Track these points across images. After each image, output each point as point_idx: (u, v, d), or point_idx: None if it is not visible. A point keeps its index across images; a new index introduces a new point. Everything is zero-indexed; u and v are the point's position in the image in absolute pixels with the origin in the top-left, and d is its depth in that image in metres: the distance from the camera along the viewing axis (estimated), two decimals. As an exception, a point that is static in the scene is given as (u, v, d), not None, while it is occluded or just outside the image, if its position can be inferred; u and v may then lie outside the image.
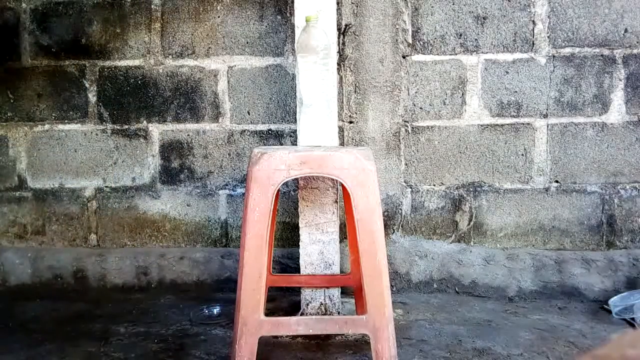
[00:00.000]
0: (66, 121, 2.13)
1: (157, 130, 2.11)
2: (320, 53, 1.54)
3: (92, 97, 2.12)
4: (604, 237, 1.97)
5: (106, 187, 2.15)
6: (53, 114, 2.12)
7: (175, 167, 2.12)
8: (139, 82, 2.10)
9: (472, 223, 2.02)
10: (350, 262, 1.70)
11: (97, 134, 2.13)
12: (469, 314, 1.82)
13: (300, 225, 1.71)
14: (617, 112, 1.93)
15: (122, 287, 2.10)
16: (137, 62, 2.10)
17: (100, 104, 2.12)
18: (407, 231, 2.03)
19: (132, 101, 2.11)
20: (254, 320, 1.27)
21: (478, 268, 2.01)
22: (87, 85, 2.12)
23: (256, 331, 1.28)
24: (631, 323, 1.72)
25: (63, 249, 2.14)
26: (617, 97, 1.93)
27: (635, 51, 1.91)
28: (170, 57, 2.08)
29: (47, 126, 2.13)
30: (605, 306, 1.86)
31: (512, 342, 1.60)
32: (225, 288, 2.06)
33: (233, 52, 2.06)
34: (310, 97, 1.58)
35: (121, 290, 2.08)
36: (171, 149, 2.11)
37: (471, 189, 2.01)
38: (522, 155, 1.99)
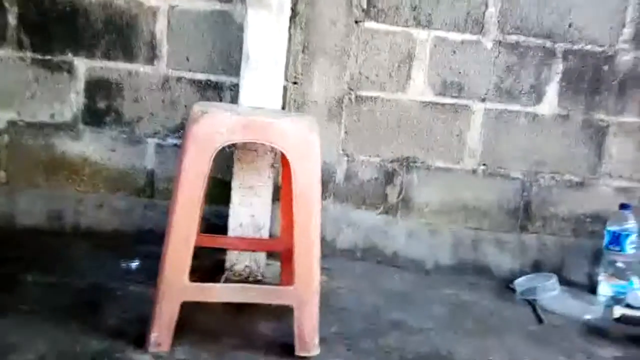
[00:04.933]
0: (-23, 42, 1.87)
1: (83, 66, 1.91)
2: (274, 9, 1.42)
3: (12, 20, 1.87)
4: (519, 221, 2.05)
5: (20, 120, 1.93)
6: (-39, 32, 1.85)
7: (102, 108, 1.94)
8: (67, 9, 1.87)
9: (401, 196, 2.03)
10: (281, 226, 1.65)
11: (14, 62, 1.90)
12: (389, 285, 1.85)
13: (233, 186, 1.63)
14: (549, 104, 1.97)
15: (33, 230, 1.93)
16: (65, -14, 1.86)
17: (21, 28, 1.88)
18: (339, 199, 2.01)
19: (57, 30, 1.88)
20: (177, 285, 1.20)
21: (401, 240, 2.03)
22: (6, 5, 1.86)
23: (179, 296, 1.21)
24: (532, 304, 1.82)
25: (-34, 183, 1.92)
26: (552, 90, 1.97)
27: (575, 47, 1.94)
28: (104, -14, 1.86)
29: (-47, 45, 1.86)
30: (511, 285, 1.95)
31: (426, 315, 1.64)
32: (146, 240, 1.94)
33: (176, -10, 1.88)
34: (257, 54, 1.48)
35: (32, 233, 1.92)
36: (98, 87, 1.93)
37: (404, 164, 2.01)
38: (457, 135, 2.00)
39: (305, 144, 1.20)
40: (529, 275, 1.95)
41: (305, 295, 1.23)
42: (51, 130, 1.92)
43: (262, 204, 1.59)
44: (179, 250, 1.16)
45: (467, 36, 1.93)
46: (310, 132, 1.21)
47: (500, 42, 1.93)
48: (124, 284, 1.59)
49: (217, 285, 1.21)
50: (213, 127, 1.15)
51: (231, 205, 1.62)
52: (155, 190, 1.98)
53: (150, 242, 1.88)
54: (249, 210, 1.60)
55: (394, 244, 2.02)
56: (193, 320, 1.38)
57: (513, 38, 1.93)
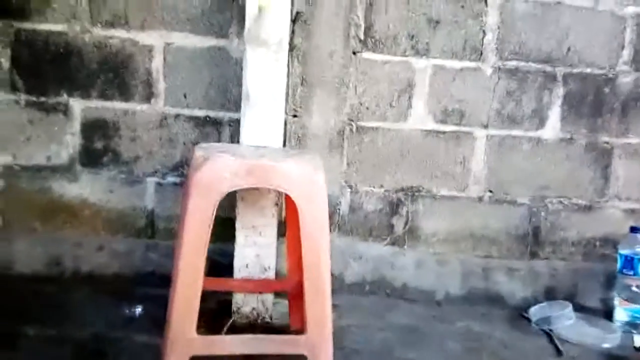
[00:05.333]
0: (-30, 87, 1.83)
1: (79, 106, 1.88)
2: (272, 46, 1.40)
3: (5, 63, 1.84)
4: (529, 247, 2.01)
5: (16, 164, 1.89)
6: (-46, 78, 1.82)
7: (98, 148, 1.90)
8: (61, 50, 1.84)
9: (407, 227, 1.99)
10: (288, 265, 1.60)
11: (7, 104, 1.86)
12: (399, 320, 1.79)
13: (237, 226, 1.58)
14: (552, 128, 1.95)
15: (31, 277, 1.87)
16: (60, 28, 1.84)
17: (14, 70, 1.84)
18: (344, 232, 1.97)
19: (51, 71, 1.85)
20: (185, 339, 1.15)
21: (410, 272, 1.99)
22: (-2, 48, 1.83)
23: (187, 350, 1.15)
24: (548, 334, 1.77)
25: (-39, 231, 1.86)
26: (554, 114, 1.95)
27: (575, 70, 1.93)
28: (99, 25, 1.84)
29: (-54, 91, 1.82)
30: (525, 314, 1.91)
31: (439, 353, 1.59)
32: (147, 282, 1.89)
33: (172, 27, 1.86)
34: (257, 92, 1.45)
35: (30, 281, 1.85)
36: (94, 128, 1.89)
37: (409, 193, 1.97)
38: (461, 163, 1.97)
39: (311, 185, 1.16)
40: (542, 304, 1.90)
41: (318, 342, 1.18)
42: (47, 173, 1.88)
43: (267, 244, 1.55)
44: (186, 303, 1.11)
45: (466, 63, 1.91)
46: (314, 172, 1.17)
47: (499, 68, 1.92)
48: (128, 334, 1.53)
49: (227, 337, 1.16)
50: (216, 173, 1.11)
51: (236, 246, 1.58)
52: (156, 230, 1.93)
53: (152, 284, 1.83)
54: (254, 251, 1.56)
55: (403, 276, 1.97)
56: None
57: (512, 64, 1.92)
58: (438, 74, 1.92)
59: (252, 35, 1.40)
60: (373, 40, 1.89)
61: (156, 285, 1.82)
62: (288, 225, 1.56)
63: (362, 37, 1.89)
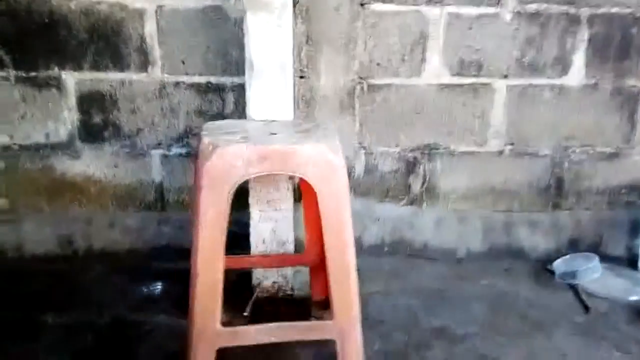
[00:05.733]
0: (-46, 65, 1.71)
1: (72, 79, 1.76)
2: (275, 10, 1.27)
3: (-13, 37, 1.71)
4: (551, 199, 1.95)
5: (14, 144, 1.80)
6: (-64, 57, 1.70)
7: (98, 122, 1.80)
8: (46, 19, 1.71)
9: (425, 186, 1.92)
10: (306, 240, 1.55)
11: (-3, 82, 1.74)
12: (422, 282, 1.76)
13: (250, 201, 1.52)
14: (576, 74, 1.83)
15: (43, 257, 1.83)
16: (42, -5, 1.69)
17: (-1, 45, 1.71)
18: (360, 194, 1.90)
19: (39, 44, 1.72)
20: (210, 333, 1.11)
21: (429, 231, 1.94)
22: (-22, 21, 1.69)
23: (213, 344, 1.12)
24: (574, 288, 1.74)
25: (-33, 215, 1.80)
26: (578, 59, 1.82)
27: (600, 11, 1.78)
28: (84, -10, 1.69)
29: None
30: (548, 267, 1.87)
31: (467, 317, 1.57)
32: (163, 257, 1.86)
33: (163, -12, 1.71)
34: (261, 61, 1.33)
35: (43, 261, 1.82)
36: (91, 101, 1.78)
37: (426, 152, 1.89)
38: (480, 117, 1.87)
39: (329, 168, 1.08)
40: (566, 256, 1.86)
41: (346, 326, 1.14)
42: (48, 150, 1.80)
43: (284, 217, 1.49)
44: (208, 296, 1.06)
45: (484, 9, 1.77)
46: (332, 153, 1.09)
47: (519, 12, 1.77)
48: (150, 316, 1.50)
49: (252, 327, 1.12)
50: (227, 162, 1.03)
51: (251, 222, 1.52)
52: (166, 202, 1.87)
53: (167, 258, 1.79)
54: (270, 225, 1.50)
55: (422, 235, 1.93)
56: (231, 352, 1.29)
57: (533, 7, 1.77)
58: (453, 23, 1.78)
59: (250, 1, 1.27)
60: (382, -11, 1.74)
61: (171, 259, 1.79)
62: (304, 199, 1.49)
63: (370, -14, 1.73)
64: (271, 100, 1.38)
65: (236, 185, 1.05)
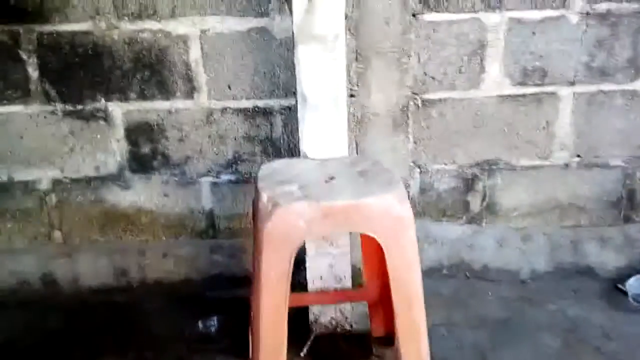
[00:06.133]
0: (4, 102, 1.71)
1: (119, 110, 1.73)
2: (329, 43, 1.18)
3: (33, 72, 1.69)
4: (622, 212, 1.81)
5: (65, 178, 1.79)
6: (-15, 95, 1.69)
7: (146, 152, 1.77)
8: (90, 51, 1.67)
9: (485, 203, 1.81)
10: (365, 274, 1.48)
11: (45, 117, 1.73)
12: (486, 310, 1.67)
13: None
14: (651, 78, 1.67)
15: (99, 290, 1.83)
16: (84, 27, 1.65)
17: (45, 79, 1.69)
18: (415, 215, 1.79)
19: (84, 76, 1.69)
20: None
21: (490, 251, 1.84)
22: (24, 57, 1.67)
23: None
24: (653, 312, 1.61)
25: (26, 249, 1.82)
26: (654, 61, 1.66)
27: (679, 7, 1.60)
28: (126, 19, 1.64)
29: (-20, 110, 1.70)
30: (620, 286, 1.75)
31: (537, 351, 1.47)
32: (216, 286, 1.83)
33: (205, 12, 1.64)
34: (315, 95, 1.25)
35: (98, 293, 1.82)
36: (139, 131, 1.75)
37: (485, 167, 1.77)
38: (544, 128, 1.74)
39: (398, 224, 1.00)
40: (639, 275, 1.73)
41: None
42: (98, 183, 1.78)
43: (341, 253, 1.42)
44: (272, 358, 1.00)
45: (548, 12, 1.63)
46: (400, 204, 1.01)
47: (587, 13, 1.62)
48: (208, 357, 1.47)
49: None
50: (289, 222, 0.96)
51: (307, 258, 1.46)
52: (218, 230, 1.83)
53: (221, 287, 1.76)
54: (327, 261, 1.43)
55: (483, 256, 1.82)
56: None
57: (603, 7, 1.62)
58: (514, 29, 1.64)
59: (303, 31, 1.18)
60: (435, -2, 1.62)
61: (225, 287, 1.76)
62: (365, 243, 1.41)
63: (422, -4, 1.62)
64: (325, 136, 1.30)
65: (299, 246, 0.99)
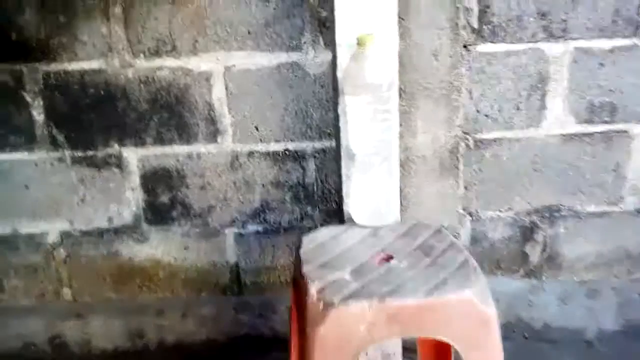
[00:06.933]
0: (7, 149, 1.53)
1: (134, 156, 1.54)
2: (379, 94, 0.98)
3: (39, 115, 1.51)
4: (702, 262, 1.58)
5: (75, 230, 1.61)
6: (-14, 142, 1.51)
7: (164, 202, 1.58)
8: (102, 92, 1.49)
9: (545, 254, 1.59)
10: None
11: (52, 164, 1.55)
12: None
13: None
14: None
15: (112, 353, 1.64)
16: (95, 65, 1.47)
17: (51, 123, 1.51)
18: (466, 268, 1.59)
19: (95, 119, 1.51)
20: None
21: (551, 308, 1.62)
22: (28, 99, 1.49)
23: None
24: None
25: (32, 308, 1.63)
26: None
27: None
28: (141, 55, 1.46)
29: (-20, 158, 1.52)
30: (703, 348, 1.51)
31: None
32: (242, 348, 1.63)
33: (230, 46, 1.45)
34: (364, 153, 1.05)
35: (112, 357, 1.63)
36: (156, 179, 1.56)
37: (546, 215, 1.56)
38: (613, 170, 1.53)
39: (482, 326, 0.79)
40: None
41: None
42: (111, 235, 1.59)
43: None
44: None
45: (618, 41, 1.42)
46: (484, 303, 0.80)
47: (665, 41, 1.40)
48: None
49: None
50: (347, 328, 0.76)
51: None
52: (243, 286, 1.63)
53: (246, 348, 1.56)
54: None
55: (543, 314, 1.61)
56: None
57: (684, 33, 1.40)
58: (580, 60, 1.44)
59: (351, 80, 0.98)
60: (490, 26, 1.42)
61: (252, 349, 1.56)
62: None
63: (475, 25, 1.42)
64: (376, 199, 1.10)
65: (357, 355, 0.78)
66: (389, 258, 0.92)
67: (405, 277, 0.85)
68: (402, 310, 0.78)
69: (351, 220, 1.11)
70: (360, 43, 0.96)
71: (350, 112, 1.02)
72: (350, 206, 1.10)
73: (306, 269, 0.87)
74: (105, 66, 1.44)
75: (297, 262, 0.93)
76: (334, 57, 1.13)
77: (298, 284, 0.90)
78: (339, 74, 1.03)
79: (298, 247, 0.97)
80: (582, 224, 1.54)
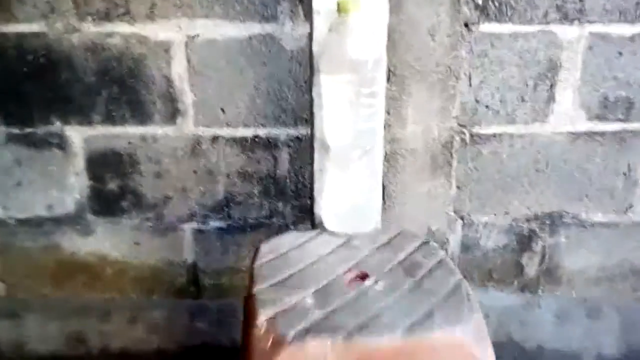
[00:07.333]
0: None
1: (79, 136, 1.33)
2: (362, 73, 0.78)
3: (-33, 83, 1.28)
4: None
5: (9, 218, 1.39)
6: None
7: (113, 190, 1.37)
8: (42, 59, 1.27)
9: (543, 267, 1.41)
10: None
11: (-17, 141, 1.32)
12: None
13: None
14: None
15: (48, 359, 1.43)
16: (35, 28, 1.25)
17: (-18, 93, 1.29)
18: (454, 278, 1.40)
19: (34, 91, 1.29)
20: None
21: (547, 327, 1.44)
22: (-45, 63, 1.27)
23: None
24: None
25: (-44, 305, 1.41)
26: None
27: None
28: (89, 19, 1.24)
29: None
30: None
31: None
32: (197, 359, 1.43)
33: (194, 12, 1.24)
34: (342, 146, 0.84)
35: (49, 364, 1.42)
36: (104, 163, 1.35)
37: (547, 222, 1.38)
38: (624, 174, 1.34)
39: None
40: None
41: None
42: (51, 226, 1.38)
43: None
44: None
45: (639, 28, 1.22)
46: (477, 344, 0.61)
47: (694, 30, 1.22)
48: None
49: None
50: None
51: None
52: (202, 288, 1.43)
53: (204, 362, 1.35)
54: None
55: (538, 333, 1.43)
56: None
57: None
58: (596, 47, 1.25)
59: (328, 55, 0.77)
60: (497, 3, 1.22)
61: (209, 362, 1.36)
62: None
63: (479, 1, 1.22)
64: (353, 200, 0.89)
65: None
66: (363, 277, 0.72)
67: (381, 305, 0.65)
68: (375, 353, 0.58)
69: (322, 225, 0.91)
70: (341, 9, 0.75)
71: (326, 94, 0.81)
72: (322, 208, 0.90)
73: (258, 288, 0.67)
74: (46, 29, 1.22)
75: (250, 278, 0.73)
76: (312, 27, 0.92)
77: (248, 305, 0.69)
78: (315, 47, 0.82)
79: (253, 259, 0.77)
80: (586, 233, 1.36)
